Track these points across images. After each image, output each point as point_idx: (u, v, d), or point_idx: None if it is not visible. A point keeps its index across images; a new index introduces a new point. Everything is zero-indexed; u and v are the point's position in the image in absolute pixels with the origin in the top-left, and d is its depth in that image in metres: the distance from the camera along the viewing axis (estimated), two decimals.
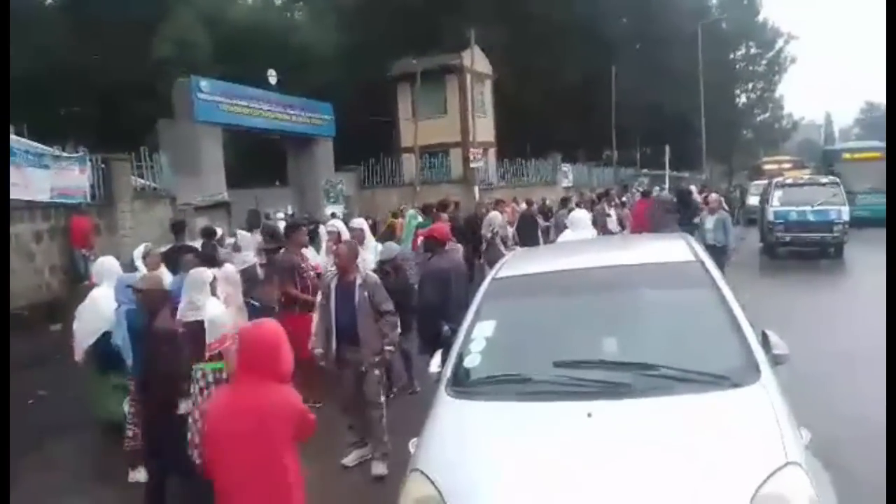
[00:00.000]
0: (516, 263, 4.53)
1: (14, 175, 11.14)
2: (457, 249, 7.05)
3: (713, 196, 12.10)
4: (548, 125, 31.35)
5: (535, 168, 27.15)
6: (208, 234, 8.79)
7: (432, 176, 25.03)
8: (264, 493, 2.77)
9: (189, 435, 4.53)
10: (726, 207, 11.91)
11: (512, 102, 29.14)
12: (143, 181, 14.44)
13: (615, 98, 32.50)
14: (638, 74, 32.92)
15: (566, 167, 29.58)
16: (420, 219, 14.71)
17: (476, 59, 25.35)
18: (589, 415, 2.90)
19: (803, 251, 15.34)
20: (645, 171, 36.85)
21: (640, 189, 21.07)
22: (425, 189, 21.92)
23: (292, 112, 20.40)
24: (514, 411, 3.13)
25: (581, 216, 7.81)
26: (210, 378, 5.16)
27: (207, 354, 4.97)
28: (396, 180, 24.14)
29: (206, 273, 5.52)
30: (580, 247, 5.81)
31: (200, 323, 5.17)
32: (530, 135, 30.72)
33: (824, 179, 16.63)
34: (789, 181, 17.34)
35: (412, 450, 3.24)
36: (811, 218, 14.93)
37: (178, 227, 9.61)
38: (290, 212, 18.75)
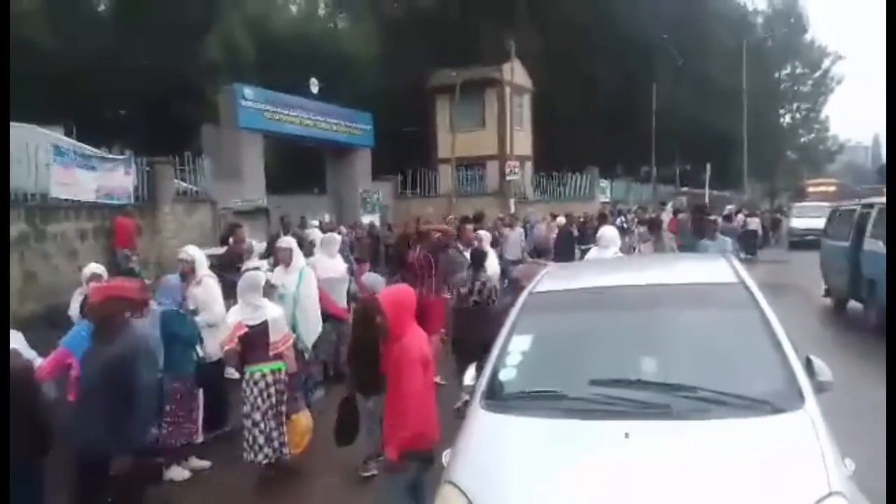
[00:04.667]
0: (555, 278, 4.50)
1: (62, 175, 11.48)
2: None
3: (710, 218, 11.26)
4: (586, 139, 31.17)
5: (572, 182, 26.99)
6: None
7: (468, 188, 25.06)
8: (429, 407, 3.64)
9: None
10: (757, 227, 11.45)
11: (550, 115, 29.06)
12: (185, 184, 14.72)
13: (655, 113, 32.20)
14: (679, 90, 32.59)
15: (604, 182, 29.35)
16: None
17: (516, 72, 25.35)
18: (626, 435, 2.85)
19: None
20: (685, 188, 36.39)
21: (673, 207, 20.72)
22: (461, 201, 21.95)
23: (332, 121, 20.67)
24: (549, 428, 3.08)
25: (608, 233, 7.59)
26: (269, 379, 5.24)
27: (272, 353, 5.03)
28: (432, 191, 24.24)
29: (260, 275, 5.66)
30: (620, 264, 5.76)
31: (263, 324, 5.27)
32: (568, 149, 30.58)
33: None
34: None
35: (445, 461, 3.22)
36: None
37: (226, 235, 9.91)
38: (326, 220, 18.95)
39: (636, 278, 4.32)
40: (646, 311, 3.70)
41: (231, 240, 9.18)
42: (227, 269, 7.84)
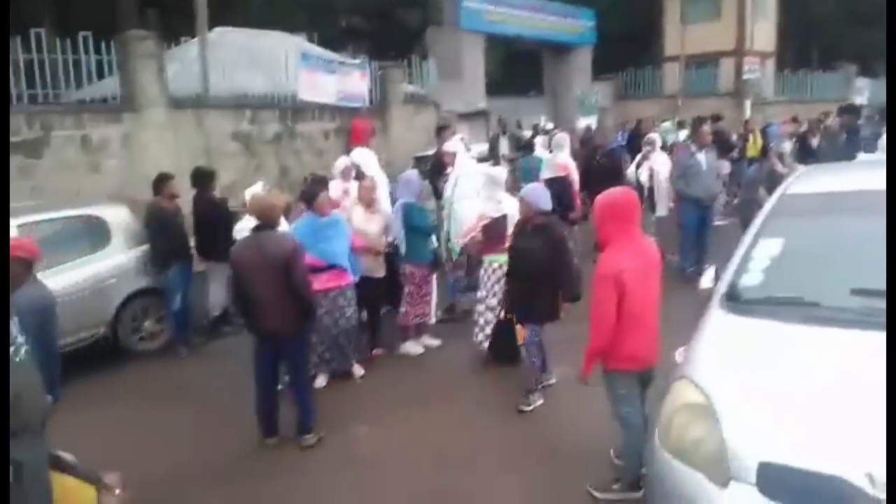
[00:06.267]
0: (812, 180, 4.09)
1: (308, 79, 12.57)
2: None
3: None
4: (841, 31, 26.91)
5: (821, 82, 23.70)
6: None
7: (698, 88, 23.13)
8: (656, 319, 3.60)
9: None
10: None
11: (798, 4, 25.41)
12: (412, 87, 15.36)
13: None
14: None
15: (861, 82, 25.40)
16: (676, 133, 13.90)
17: None
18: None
19: None
20: None
21: None
22: (688, 102, 20.42)
23: (552, 19, 20.02)
24: (800, 334, 2.91)
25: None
26: (500, 271, 5.58)
27: (507, 245, 5.33)
28: (657, 92, 22.76)
29: (503, 172, 5.96)
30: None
31: (503, 217, 5.59)
32: (818, 43, 26.71)
33: None
34: None
35: (678, 359, 3.21)
36: None
37: (441, 131, 10.18)
38: (542, 123, 18.81)
39: None
40: None
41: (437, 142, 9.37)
42: (435, 174, 7.94)
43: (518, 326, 5.26)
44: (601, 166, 8.95)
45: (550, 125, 14.33)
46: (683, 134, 13.25)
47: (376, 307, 6.14)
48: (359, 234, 5.77)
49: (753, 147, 13.10)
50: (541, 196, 4.96)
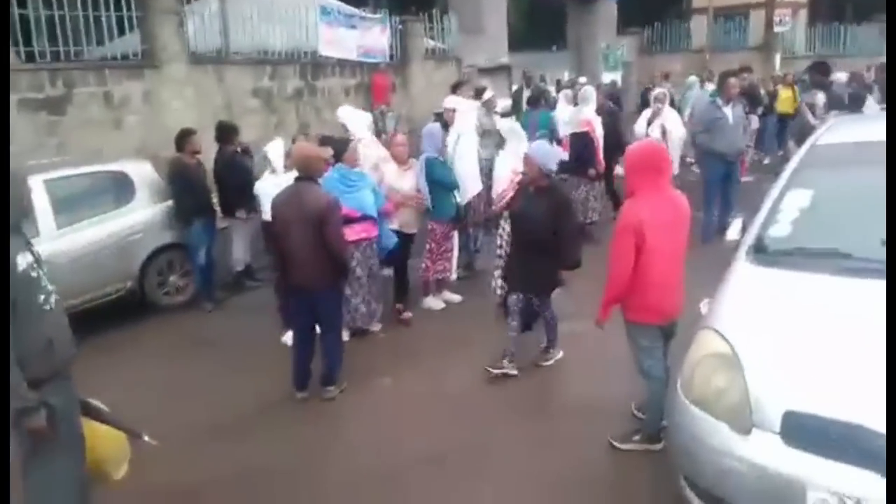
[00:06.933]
0: (842, 130, 3.99)
1: (328, 33, 12.44)
2: None
3: None
4: None
5: (855, 35, 22.88)
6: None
7: (726, 42, 22.48)
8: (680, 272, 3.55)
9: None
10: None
11: None
12: (432, 42, 15.12)
13: None
14: None
15: None
16: (701, 87, 13.50)
17: None
18: None
19: None
20: None
21: None
22: (716, 57, 19.86)
23: None
24: (828, 285, 2.87)
25: None
26: None
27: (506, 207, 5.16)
28: (683, 45, 22.17)
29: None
30: None
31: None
32: None
33: None
34: None
35: (703, 310, 3.18)
36: None
37: (455, 87, 10.04)
38: (566, 78, 18.46)
39: None
40: None
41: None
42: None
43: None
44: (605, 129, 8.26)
45: (583, 79, 13.93)
46: (711, 87, 12.87)
47: (405, 264, 6.07)
48: (392, 192, 5.72)
49: (789, 101, 12.60)
50: (548, 154, 4.68)
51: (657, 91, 9.88)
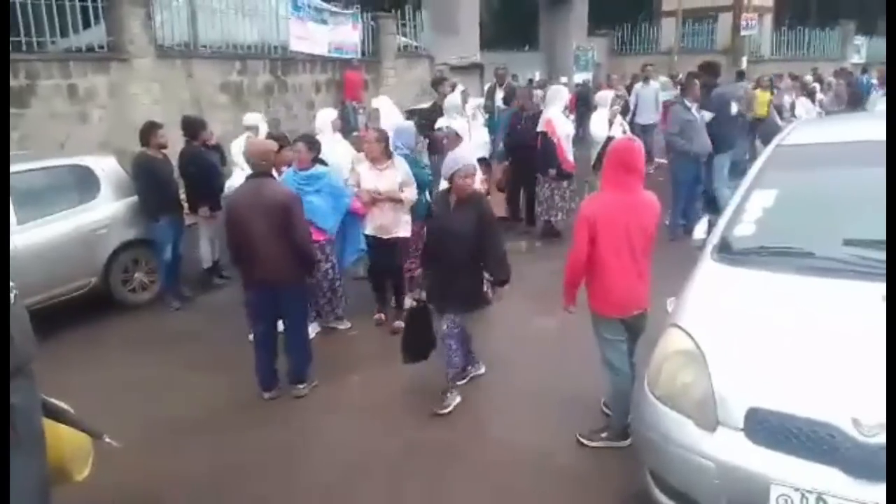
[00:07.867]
0: (807, 131, 4.07)
1: (299, 28, 12.32)
2: None
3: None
4: None
5: (818, 39, 23.42)
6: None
7: (694, 44, 22.84)
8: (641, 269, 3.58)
9: None
10: None
11: None
12: (405, 39, 15.10)
13: None
14: None
15: (859, 39, 25.11)
16: (665, 92, 13.63)
17: None
18: (884, 298, 2.62)
19: None
20: None
21: None
22: (684, 58, 20.18)
23: None
24: (791, 284, 2.92)
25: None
26: None
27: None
28: (652, 48, 22.48)
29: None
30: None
31: None
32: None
33: None
34: None
35: (669, 308, 3.22)
36: None
37: (436, 83, 10.04)
38: (537, 77, 18.55)
39: None
40: None
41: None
42: (426, 127, 7.95)
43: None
44: (526, 130, 7.96)
45: (564, 79, 13.97)
46: (655, 84, 13.21)
47: (393, 271, 5.71)
48: (363, 194, 5.47)
49: (765, 104, 12.65)
50: (461, 158, 4.24)
51: (601, 93, 9.32)
